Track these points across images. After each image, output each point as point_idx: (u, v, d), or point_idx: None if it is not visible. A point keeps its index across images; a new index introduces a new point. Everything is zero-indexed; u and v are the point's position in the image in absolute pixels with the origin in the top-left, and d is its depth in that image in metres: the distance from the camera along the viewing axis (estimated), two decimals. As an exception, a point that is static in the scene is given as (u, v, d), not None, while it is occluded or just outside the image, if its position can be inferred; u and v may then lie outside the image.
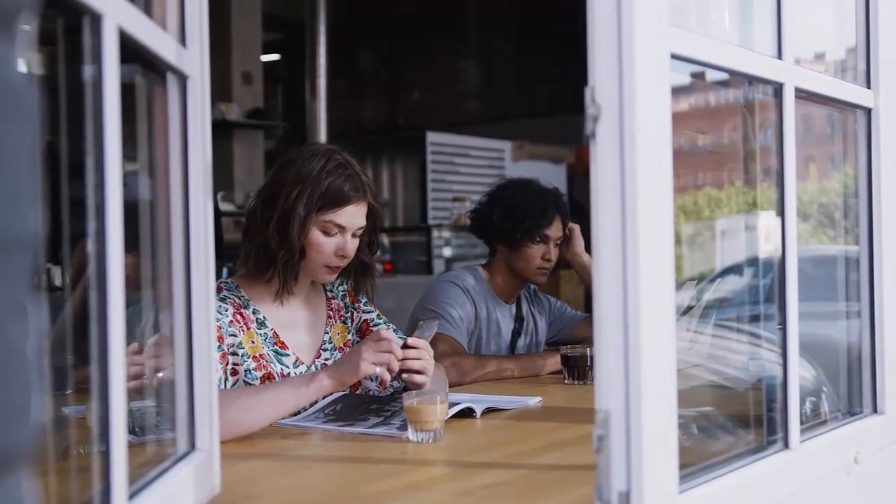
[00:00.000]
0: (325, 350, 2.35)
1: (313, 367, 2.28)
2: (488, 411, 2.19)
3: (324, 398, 2.17)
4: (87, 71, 1.03)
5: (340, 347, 2.38)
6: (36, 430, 0.61)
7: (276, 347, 2.23)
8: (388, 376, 2.06)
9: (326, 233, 2.22)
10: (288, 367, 2.23)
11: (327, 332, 2.37)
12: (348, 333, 2.41)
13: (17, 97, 0.58)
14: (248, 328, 2.21)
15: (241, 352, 2.16)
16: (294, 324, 2.31)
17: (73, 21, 1.02)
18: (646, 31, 1.18)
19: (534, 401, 2.36)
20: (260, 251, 2.22)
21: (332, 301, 2.43)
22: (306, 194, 2.18)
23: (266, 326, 2.24)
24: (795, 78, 1.55)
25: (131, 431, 1.14)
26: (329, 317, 2.39)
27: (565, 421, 2.15)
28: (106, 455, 1.02)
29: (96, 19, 1.01)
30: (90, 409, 1.43)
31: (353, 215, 2.24)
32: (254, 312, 2.24)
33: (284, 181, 2.20)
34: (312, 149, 2.28)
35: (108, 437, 1.02)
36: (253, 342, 2.20)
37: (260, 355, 2.20)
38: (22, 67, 0.61)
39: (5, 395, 0.57)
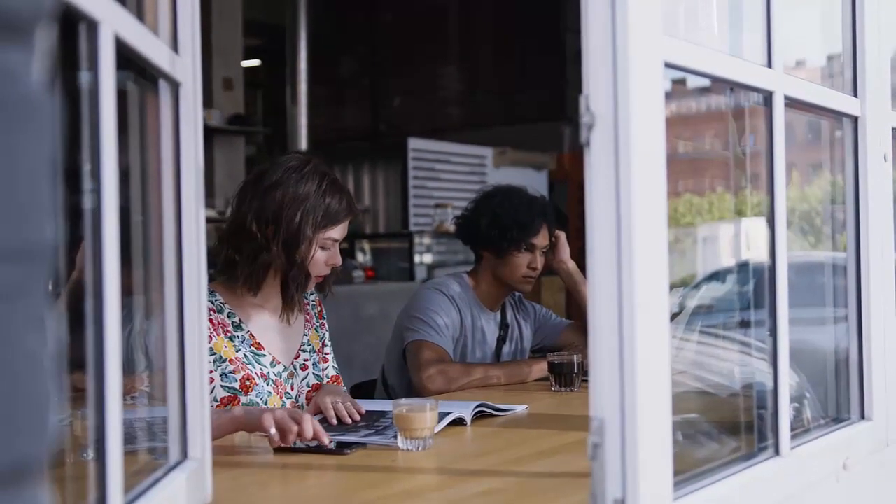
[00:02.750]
0: (304, 351, 2.43)
1: (291, 367, 2.37)
2: (478, 417, 2.19)
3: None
4: (83, 77, 1.03)
5: (318, 350, 2.47)
6: (52, 442, 0.60)
7: (252, 349, 2.29)
8: (276, 441, 1.85)
9: (323, 248, 2.31)
10: (266, 366, 2.30)
11: (306, 335, 2.45)
12: (319, 341, 2.50)
13: (34, 106, 0.58)
14: (219, 333, 2.25)
15: (212, 357, 2.20)
16: (272, 326, 2.36)
17: (68, 28, 1.01)
18: (640, 40, 1.18)
19: (521, 408, 2.36)
20: (262, 270, 2.27)
21: (307, 307, 2.50)
22: (311, 216, 2.25)
23: (242, 329, 2.30)
24: (785, 86, 1.56)
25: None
26: (307, 320, 2.47)
27: (554, 428, 2.15)
28: (101, 464, 1.01)
29: (93, 26, 1.00)
30: (77, 417, 1.42)
31: (345, 228, 2.35)
32: (229, 316, 2.30)
33: (281, 202, 2.24)
34: (298, 167, 2.30)
35: (104, 446, 1.01)
36: (226, 346, 2.25)
37: (236, 358, 2.25)
38: (39, 77, 0.60)
39: (24, 407, 0.57)
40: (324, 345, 2.52)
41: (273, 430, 1.83)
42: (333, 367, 2.53)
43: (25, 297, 0.57)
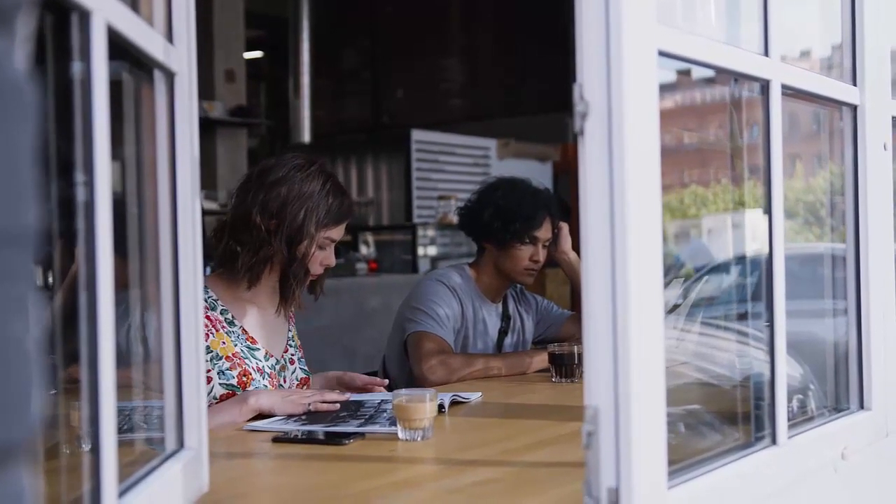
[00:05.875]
0: (290, 346, 2.47)
1: (282, 360, 2.41)
2: (453, 404, 2.25)
3: None
4: (75, 68, 1.03)
5: (299, 346, 2.52)
6: (37, 425, 0.61)
7: (247, 343, 2.33)
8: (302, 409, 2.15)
9: (320, 247, 2.34)
10: (260, 360, 2.34)
11: (290, 331, 2.50)
12: (298, 338, 2.55)
13: (16, 93, 0.58)
14: (217, 329, 2.28)
15: (209, 356, 2.22)
16: (262, 322, 2.40)
17: (60, 17, 1.01)
18: (634, 29, 1.18)
19: (475, 396, 2.40)
20: (262, 263, 2.30)
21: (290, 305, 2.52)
22: (314, 214, 2.29)
23: (235, 325, 2.33)
24: (782, 75, 1.56)
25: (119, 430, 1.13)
26: (291, 318, 2.51)
27: (553, 418, 2.15)
28: (96, 454, 1.01)
29: (85, 16, 1.00)
30: (75, 408, 1.43)
31: (343, 230, 2.39)
32: (221, 312, 2.32)
33: (286, 197, 2.28)
34: (303, 165, 2.34)
35: (98, 436, 1.01)
36: (224, 343, 2.28)
37: (233, 354, 2.28)
38: (21, 63, 0.60)
39: (7, 390, 0.57)
40: (300, 344, 2.56)
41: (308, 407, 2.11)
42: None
43: (8, 281, 0.58)
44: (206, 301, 2.29)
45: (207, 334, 2.23)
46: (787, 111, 1.63)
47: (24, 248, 0.59)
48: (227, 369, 2.25)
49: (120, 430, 1.13)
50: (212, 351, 2.24)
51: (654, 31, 1.23)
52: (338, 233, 2.36)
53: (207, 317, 2.26)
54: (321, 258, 2.35)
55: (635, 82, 1.18)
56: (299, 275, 2.32)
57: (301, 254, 2.30)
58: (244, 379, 2.26)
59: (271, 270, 2.34)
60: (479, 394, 2.43)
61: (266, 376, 2.32)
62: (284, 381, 2.39)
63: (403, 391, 1.96)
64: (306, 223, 2.28)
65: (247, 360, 2.29)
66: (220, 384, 2.23)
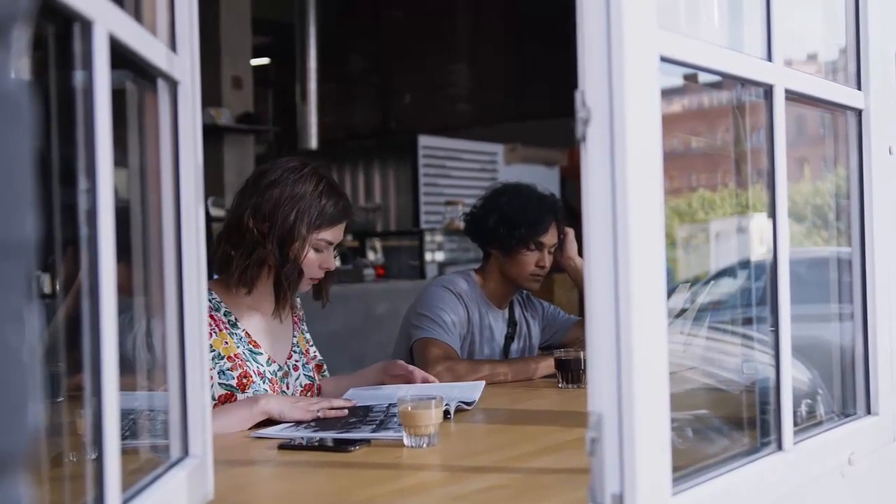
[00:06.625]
0: (294, 352, 2.47)
1: (286, 367, 2.41)
2: (458, 410, 2.24)
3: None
4: (78, 77, 1.03)
5: (304, 352, 2.51)
6: (33, 434, 0.61)
7: (250, 346, 2.33)
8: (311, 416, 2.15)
9: (317, 250, 2.34)
10: (262, 364, 2.34)
11: (295, 336, 2.49)
12: (306, 343, 2.54)
13: (12, 103, 0.59)
14: (221, 330, 2.29)
15: (211, 354, 2.23)
16: (265, 327, 2.40)
17: (63, 27, 1.02)
18: (635, 34, 1.18)
19: (480, 386, 2.43)
20: (256, 266, 2.30)
21: (295, 309, 2.55)
22: (306, 215, 2.29)
23: (238, 328, 2.33)
24: (785, 80, 1.56)
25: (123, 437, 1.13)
26: (295, 323, 2.51)
27: (559, 424, 2.15)
28: (99, 462, 1.01)
29: (87, 25, 1.01)
30: (81, 416, 1.43)
31: (341, 231, 2.38)
32: (225, 315, 2.33)
33: (278, 199, 2.28)
34: (297, 167, 2.35)
35: (102, 444, 1.01)
36: (226, 343, 2.29)
37: (235, 355, 2.29)
38: (17, 74, 0.61)
39: (3, 401, 0.57)
40: (309, 344, 2.56)
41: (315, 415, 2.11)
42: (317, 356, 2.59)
43: (5, 291, 0.58)
44: (210, 302, 2.29)
45: (210, 333, 2.24)
46: (794, 115, 1.63)
47: (21, 258, 0.60)
48: (228, 369, 2.26)
49: (124, 437, 1.13)
50: (214, 350, 2.24)
51: (655, 36, 1.23)
52: (333, 235, 2.35)
53: (211, 316, 2.27)
54: (319, 261, 2.35)
55: (637, 88, 1.18)
56: (292, 276, 2.31)
57: (294, 255, 2.29)
58: (244, 381, 2.26)
59: (269, 275, 2.34)
60: (482, 382, 2.45)
61: (266, 381, 2.32)
62: (287, 388, 2.39)
63: (409, 397, 1.95)
64: (297, 224, 2.28)
65: (248, 363, 2.30)
66: (219, 384, 2.24)
